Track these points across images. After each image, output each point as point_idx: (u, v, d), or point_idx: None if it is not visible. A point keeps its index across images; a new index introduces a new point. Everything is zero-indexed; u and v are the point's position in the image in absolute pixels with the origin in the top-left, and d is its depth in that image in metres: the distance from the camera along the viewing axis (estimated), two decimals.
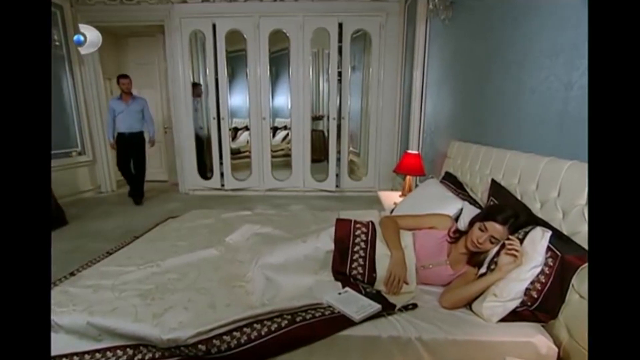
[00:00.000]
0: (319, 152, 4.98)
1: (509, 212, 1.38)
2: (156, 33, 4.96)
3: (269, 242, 1.77)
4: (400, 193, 3.16)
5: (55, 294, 1.42)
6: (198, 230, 2.19)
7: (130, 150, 4.35)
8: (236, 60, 4.66)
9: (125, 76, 4.28)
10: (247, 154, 5.00)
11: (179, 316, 1.26)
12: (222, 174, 4.81)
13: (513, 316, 1.25)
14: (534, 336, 1.19)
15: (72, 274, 1.82)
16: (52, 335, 1.25)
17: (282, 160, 5.02)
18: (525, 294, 1.26)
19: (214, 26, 4.40)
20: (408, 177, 3.08)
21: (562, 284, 1.19)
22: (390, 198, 3.10)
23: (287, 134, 5.13)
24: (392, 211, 2.43)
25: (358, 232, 1.56)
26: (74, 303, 1.35)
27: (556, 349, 1.17)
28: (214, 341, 1.17)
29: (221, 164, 4.77)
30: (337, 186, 4.87)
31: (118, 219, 3.82)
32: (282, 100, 4.95)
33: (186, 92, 4.65)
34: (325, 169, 4.84)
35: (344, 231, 1.57)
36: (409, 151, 3.09)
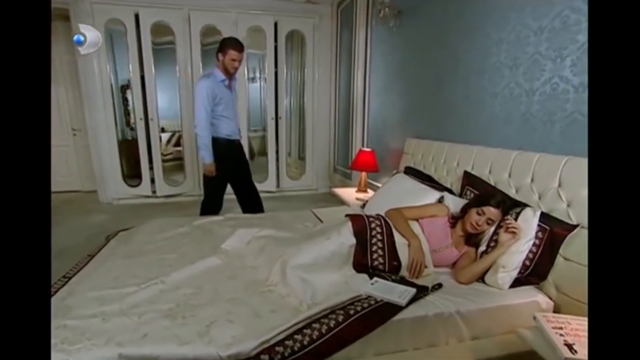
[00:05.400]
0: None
1: (499, 197, 1.65)
2: (55, 19, 4.22)
3: (279, 244, 1.74)
4: (356, 189, 3.35)
5: (54, 330, 1.18)
6: (177, 240, 2.00)
7: (240, 167, 2.79)
8: (162, 54, 4.26)
9: (241, 45, 2.48)
10: (170, 156, 4.67)
11: (228, 330, 1.19)
12: (152, 180, 4.35)
13: (513, 282, 1.51)
14: (536, 296, 1.47)
15: None
16: None
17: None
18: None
19: (136, 17, 3.96)
20: (363, 174, 3.28)
21: (552, 251, 1.49)
22: (348, 194, 3.27)
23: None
24: (363, 206, 2.58)
25: (373, 224, 1.66)
26: (87, 337, 1.15)
27: (552, 303, 1.46)
28: (277, 348, 1.14)
29: (151, 168, 4.32)
30: (277, 186, 4.86)
31: None
32: None
33: (104, 89, 4.07)
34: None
35: (360, 225, 1.65)
36: (364, 149, 3.30)
